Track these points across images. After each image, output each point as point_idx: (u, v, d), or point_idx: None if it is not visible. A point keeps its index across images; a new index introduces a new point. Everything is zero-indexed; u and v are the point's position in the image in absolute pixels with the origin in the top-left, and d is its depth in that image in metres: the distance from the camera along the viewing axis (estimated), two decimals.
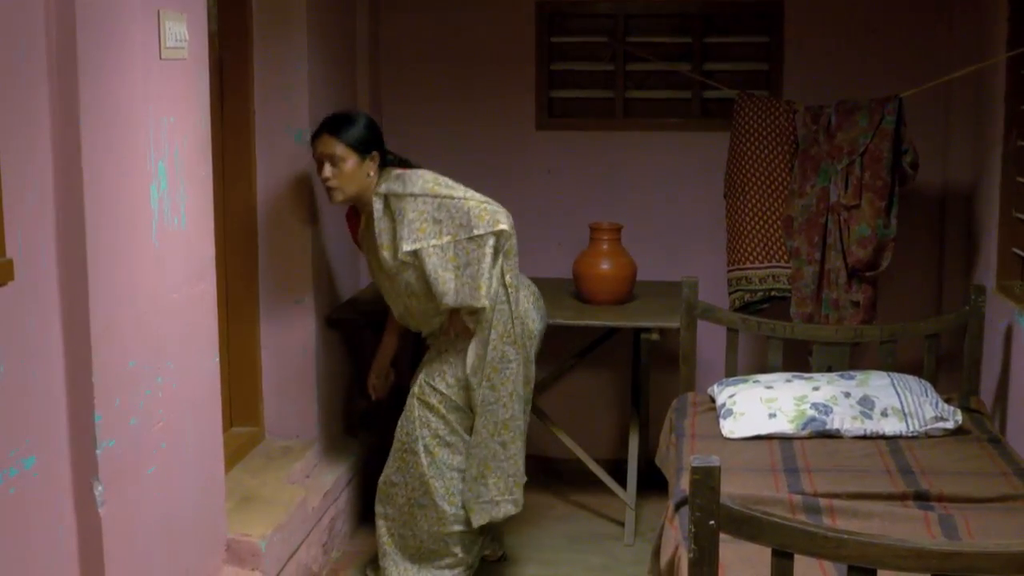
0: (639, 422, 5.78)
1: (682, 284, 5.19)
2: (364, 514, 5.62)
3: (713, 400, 4.99)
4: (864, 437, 4.58)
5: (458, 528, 4.78)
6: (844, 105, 5.36)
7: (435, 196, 4.60)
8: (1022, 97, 5.06)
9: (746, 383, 4.92)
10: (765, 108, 5.53)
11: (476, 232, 4.57)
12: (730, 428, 4.66)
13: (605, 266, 5.61)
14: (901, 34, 5.90)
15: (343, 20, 5.67)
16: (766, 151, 5.49)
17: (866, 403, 4.65)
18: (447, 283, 4.58)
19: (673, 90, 6.18)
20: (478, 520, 4.76)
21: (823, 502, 3.88)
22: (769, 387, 4.81)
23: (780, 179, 5.49)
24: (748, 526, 2.74)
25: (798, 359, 5.42)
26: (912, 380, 4.86)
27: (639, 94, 6.22)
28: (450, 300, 4.59)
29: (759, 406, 4.68)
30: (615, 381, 6.31)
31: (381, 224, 4.66)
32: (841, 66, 5.93)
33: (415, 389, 4.81)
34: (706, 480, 2.70)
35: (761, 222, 5.50)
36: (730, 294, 5.62)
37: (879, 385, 4.77)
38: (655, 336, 5.40)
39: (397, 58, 6.18)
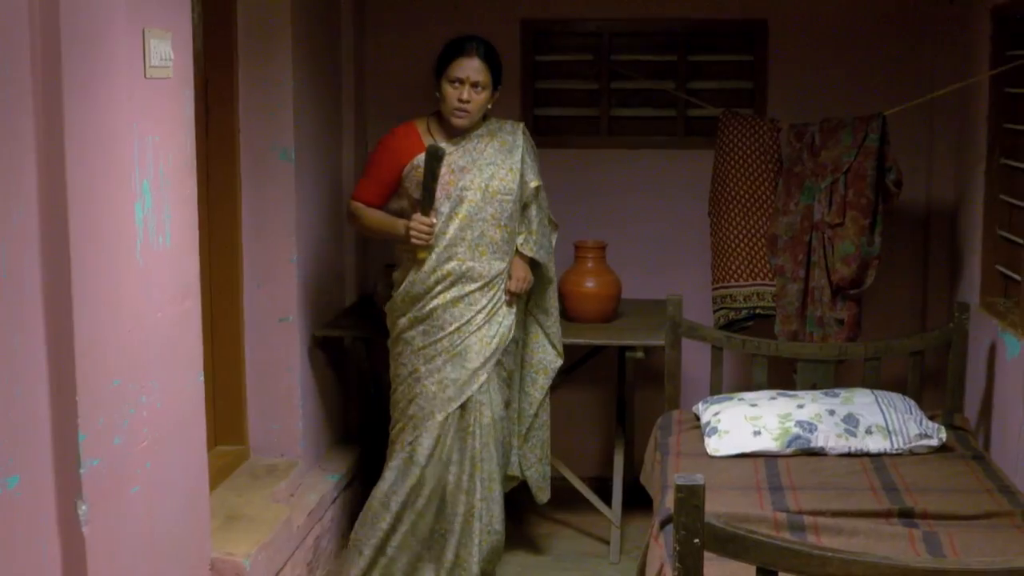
0: (624, 440, 5.78)
1: (667, 302, 5.20)
2: (349, 533, 5.62)
3: (698, 418, 4.99)
4: (848, 455, 4.59)
5: None
6: (828, 123, 5.37)
7: (537, 163, 5.05)
8: (1005, 115, 5.08)
9: (731, 401, 4.92)
10: (749, 126, 5.55)
11: (550, 215, 5.17)
12: (715, 446, 4.66)
13: (590, 284, 5.62)
14: (885, 52, 5.93)
15: (328, 38, 5.67)
16: (750, 169, 5.51)
17: (850, 421, 4.65)
18: (544, 236, 5.06)
19: (658, 108, 6.20)
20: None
21: (807, 520, 3.88)
22: (754, 405, 4.81)
23: (764, 197, 5.50)
24: (733, 544, 2.74)
25: (783, 377, 5.42)
26: (896, 397, 4.87)
27: (624, 112, 6.24)
28: (543, 256, 5.03)
29: (744, 424, 4.69)
30: (600, 399, 6.31)
31: (504, 154, 4.87)
32: (825, 84, 5.95)
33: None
34: (691, 498, 2.71)
35: (745, 240, 5.51)
36: (715, 312, 5.63)
37: (863, 403, 4.78)
38: (640, 354, 5.40)
39: (382, 75, 6.19)
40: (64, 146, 2.97)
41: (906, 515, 3.99)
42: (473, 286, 4.81)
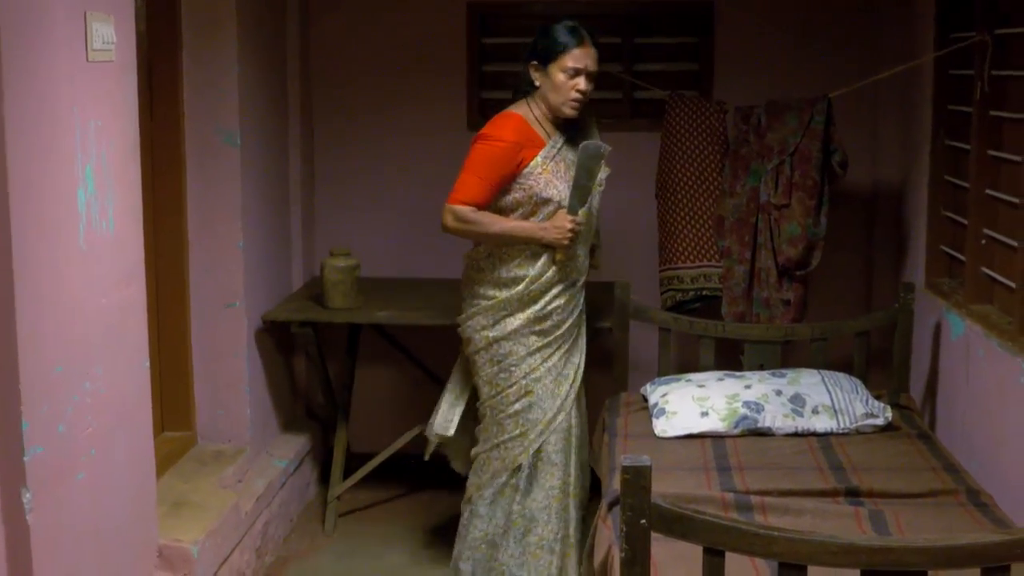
0: None
1: (615, 286, 5.20)
2: (297, 517, 5.61)
3: (646, 399, 5.01)
4: (795, 434, 4.61)
5: None
6: (774, 105, 5.39)
7: None
8: (949, 97, 5.11)
9: (678, 382, 4.94)
10: (695, 108, 5.56)
11: None
12: (662, 427, 4.68)
13: None
14: (830, 34, 5.94)
15: (273, 21, 5.63)
16: (697, 151, 5.52)
17: (797, 401, 4.68)
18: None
19: (604, 91, 6.18)
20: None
21: (755, 500, 3.90)
22: (701, 386, 4.83)
23: (711, 179, 5.52)
24: (679, 525, 2.75)
25: (730, 358, 5.44)
26: (843, 377, 4.90)
27: None
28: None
29: (691, 405, 4.70)
30: None
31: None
32: (771, 66, 5.96)
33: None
34: (637, 479, 2.71)
35: (692, 222, 5.52)
36: (662, 294, 5.63)
37: (810, 383, 4.81)
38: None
39: (328, 58, 6.15)
40: (4, 131, 2.94)
41: (852, 494, 4.02)
42: (582, 280, 4.78)
